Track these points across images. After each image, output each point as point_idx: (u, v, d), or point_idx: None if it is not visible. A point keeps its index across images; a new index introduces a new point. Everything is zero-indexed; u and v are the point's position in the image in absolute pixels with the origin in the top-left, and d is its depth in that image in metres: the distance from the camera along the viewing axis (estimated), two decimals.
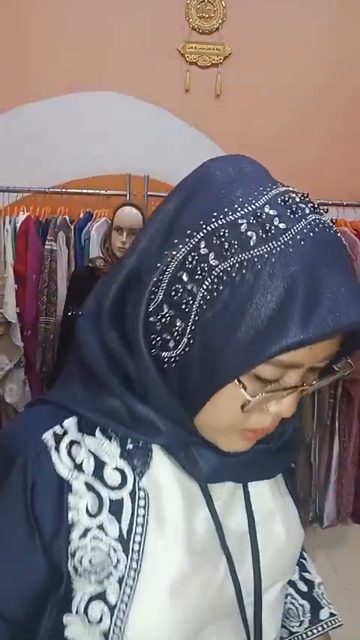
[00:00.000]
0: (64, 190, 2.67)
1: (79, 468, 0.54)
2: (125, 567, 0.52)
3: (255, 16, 2.93)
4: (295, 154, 2.97)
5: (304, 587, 0.78)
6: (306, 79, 2.97)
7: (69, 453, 0.54)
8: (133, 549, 0.53)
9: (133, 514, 0.53)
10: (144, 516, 0.54)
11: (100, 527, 0.53)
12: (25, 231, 2.58)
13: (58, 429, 0.55)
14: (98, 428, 0.56)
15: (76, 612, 0.52)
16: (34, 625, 0.54)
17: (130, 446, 0.56)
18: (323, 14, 2.94)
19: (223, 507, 0.58)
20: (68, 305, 2.30)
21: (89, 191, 2.68)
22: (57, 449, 0.54)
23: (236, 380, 0.49)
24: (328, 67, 2.97)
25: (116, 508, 0.54)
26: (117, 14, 2.89)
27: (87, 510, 0.53)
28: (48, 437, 0.54)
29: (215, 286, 0.48)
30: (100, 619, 0.52)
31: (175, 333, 0.51)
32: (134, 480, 0.54)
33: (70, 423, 0.56)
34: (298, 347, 0.46)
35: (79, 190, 2.70)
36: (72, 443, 0.55)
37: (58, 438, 0.54)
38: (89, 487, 0.54)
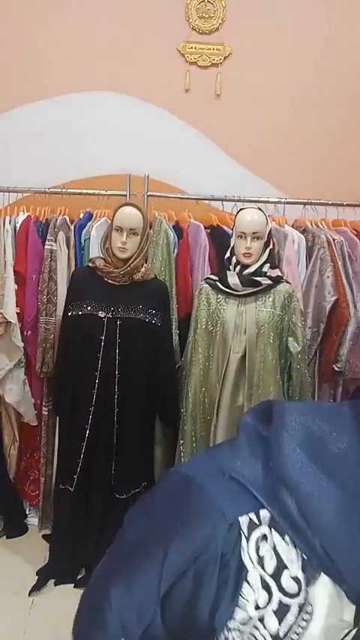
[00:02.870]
0: (64, 190, 2.67)
1: (260, 562, 0.53)
2: None
3: (255, 16, 2.93)
4: (295, 154, 2.97)
5: None
6: (306, 79, 2.97)
7: (256, 544, 0.54)
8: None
9: (295, 623, 0.53)
10: (304, 628, 0.53)
11: (262, 619, 0.53)
12: (25, 231, 2.58)
13: (253, 516, 0.55)
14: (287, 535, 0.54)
15: None
16: None
17: (305, 557, 0.54)
18: (323, 14, 2.94)
19: None
20: (68, 305, 2.30)
21: (89, 191, 2.68)
22: (248, 538, 0.53)
23: None
24: (328, 67, 2.97)
25: (283, 611, 0.53)
26: (117, 14, 2.89)
27: (256, 604, 0.53)
28: (244, 521, 0.54)
29: None
30: None
31: None
32: (306, 593, 0.53)
33: (266, 515, 0.55)
34: None
35: (79, 190, 2.69)
36: (263, 537, 0.54)
37: (252, 527, 0.54)
38: (264, 585, 0.53)
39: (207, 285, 2.30)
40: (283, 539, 0.54)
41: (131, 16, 2.89)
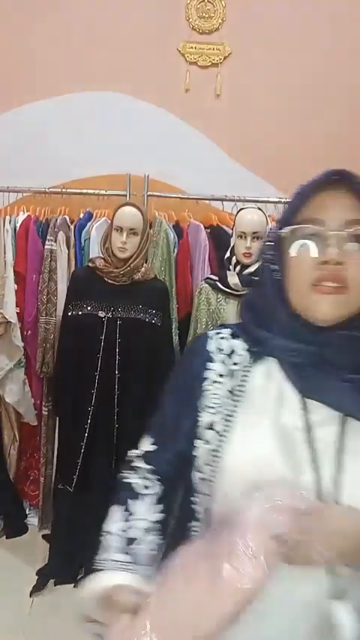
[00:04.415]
0: (64, 190, 2.67)
1: (219, 350, 0.86)
2: (231, 408, 0.80)
3: (255, 16, 2.93)
4: (295, 154, 2.96)
5: None
6: (306, 78, 2.97)
7: (217, 342, 0.87)
8: (237, 399, 0.81)
9: (243, 380, 0.82)
10: (245, 382, 0.82)
11: (222, 382, 0.83)
12: (25, 231, 2.58)
13: (219, 330, 0.89)
14: (241, 338, 0.87)
15: (200, 439, 0.81)
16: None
17: (254, 349, 0.84)
18: (323, 14, 2.94)
19: (315, 422, 0.77)
20: (68, 305, 2.30)
21: (89, 191, 2.68)
22: (211, 337, 0.88)
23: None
24: (328, 67, 2.97)
25: (234, 375, 0.83)
26: (117, 14, 2.89)
27: (219, 373, 0.84)
28: (212, 334, 0.89)
29: None
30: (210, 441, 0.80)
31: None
32: (249, 364, 0.83)
33: (227, 331, 0.89)
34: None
35: (79, 190, 2.70)
36: (222, 338, 0.87)
37: (216, 335, 0.88)
38: (223, 362, 0.84)
39: (207, 285, 2.29)
40: (237, 340, 0.86)
41: (131, 16, 2.89)
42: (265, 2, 2.94)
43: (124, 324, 2.19)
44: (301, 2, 2.95)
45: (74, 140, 2.92)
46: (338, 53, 2.97)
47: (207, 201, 2.77)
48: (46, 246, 2.54)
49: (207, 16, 2.92)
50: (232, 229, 2.29)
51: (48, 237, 2.55)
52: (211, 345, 0.86)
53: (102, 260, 2.23)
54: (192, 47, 2.94)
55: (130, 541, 0.79)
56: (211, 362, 0.85)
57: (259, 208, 2.27)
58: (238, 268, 2.22)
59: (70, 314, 2.26)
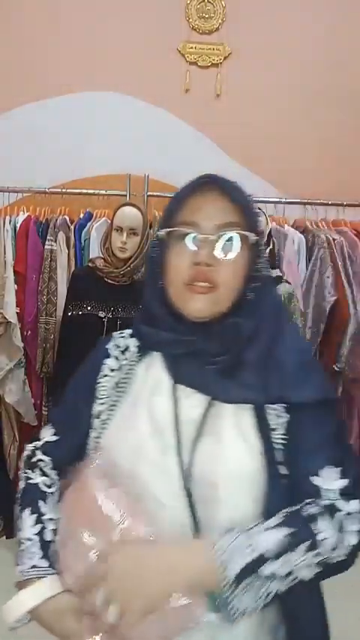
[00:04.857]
0: (64, 190, 2.67)
1: (117, 347, 0.93)
2: (114, 399, 0.89)
3: (255, 16, 2.93)
4: (295, 154, 2.97)
5: None
6: (306, 79, 2.97)
7: (116, 340, 0.94)
8: (120, 390, 0.89)
9: (128, 373, 0.90)
10: (130, 376, 0.90)
11: (112, 376, 0.90)
12: (25, 231, 2.58)
13: (123, 331, 0.96)
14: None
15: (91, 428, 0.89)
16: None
17: (141, 345, 0.91)
18: (323, 14, 2.95)
19: (183, 403, 0.83)
20: (68, 305, 2.29)
21: (89, 191, 2.68)
22: (114, 337, 0.96)
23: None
24: (328, 67, 2.97)
25: (122, 369, 0.91)
26: (117, 14, 2.89)
27: (110, 368, 0.91)
28: (116, 334, 0.96)
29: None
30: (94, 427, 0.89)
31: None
32: (136, 359, 0.90)
33: (128, 331, 0.95)
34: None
35: (79, 190, 2.69)
36: (121, 337, 0.95)
37: (118, 334, 0.96)
38: (116, 358, 0.92)
39: None
40: (132, 338, 0.93)
41: (131, 16, 2.89)
42: (265, 2, 2.94)
43: (124, 324, 2.19)
44: (301, 2, 2.95)
45: (74, 140, 2.92)
46: (338, 53, 2.97)
47: None
48: (46, 247, 2.54)
49: (207, 16, 2.93)
50: None
51: (48, 238, 2.55)
52: (111, 344, 0.94)
53: (102, 260, 2.23)
54: (192, 47, 2.94)
55: (47, 544, 0.83)
56: (108, 358, 0.92)
57: (259, 208, 2.27)
58: None
59: (70, 314, 2.26)
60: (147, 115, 2.94)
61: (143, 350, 0.90)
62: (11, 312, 2.50)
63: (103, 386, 0.90)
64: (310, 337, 2.57)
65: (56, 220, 2.59)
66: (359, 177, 2.90)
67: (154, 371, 0.87)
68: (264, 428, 0.79)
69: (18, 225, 2.59)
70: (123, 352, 0.92)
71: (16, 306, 2.53)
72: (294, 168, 2.96)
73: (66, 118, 2.92)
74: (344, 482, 0.76)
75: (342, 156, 2.98)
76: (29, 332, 2.55)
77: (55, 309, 2.52)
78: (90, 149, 2.92)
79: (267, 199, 2.67)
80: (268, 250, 2.24)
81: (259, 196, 2.65)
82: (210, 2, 2.92)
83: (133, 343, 0.92)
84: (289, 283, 2.31)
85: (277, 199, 2.73)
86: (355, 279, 2.62)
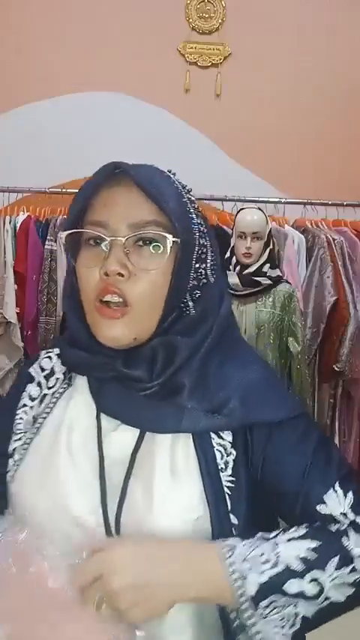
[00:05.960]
0: (64, 190, 2.67)
1: (42, 369, 0.79)
2: (29, 435, 0.73)
3: (255, 16, 2.93)
4: (295, 154, 2.97)
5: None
6: (306, 79, 2.97)
7: (43, 361, 0.80)
8: (38, 424, 0.74)
9: (49, 405, 0.75)
10: (51, 409, 0.74)
11: (31, 407, 0.76)
12: (25, 231, 2.58)
13: (50, 349, 0.81)
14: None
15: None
16: None
17: (64, 369, 0.77)
18: (323, 14, 2.94)
19: (111, 439, 0.69)
20: None
21: None
22: (40, 357, 0.81)
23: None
24: (328, 67, 2.96)
25: (44, 399, 0.76)
26: (117, 14, 2.89)
27: (31, 396, 0.77)
28: (43, 353, 0.82)
29: None
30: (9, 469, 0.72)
31: None
32: (61, 386, 0.76)
33: (56, 350, 0.79)
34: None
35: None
36: (48, 357, 0.80)
37: (45, 354, 0.81)
38: (39, 384, 0.77)
39: None
40: (58, 358, 0.78)
41: (131, 16, 2.89)
42: (265, 2, 2.94)
43: None
44: (301, 3, 2.95)
45: (74, 140, 2.92)
46: (338, 53, 2.97)
47: (207, 202, 2.77)
48: (46, 247, 2.54)
49: (207, 16, 2.92)
50: (232, 229, 2.29)
51: (48, 238, 2.55)
52: (36, 365, 0.79)
53: None
54: (192, 47, 2.94)
55: None
56: (30, 382, 0.77)
57: (259, 208, 2.27)
58: (238, 268, 2.22)
59: None
60: (147, 115, 2.94)
61: (70, 373, 0.76)
62: (11, 312, 2.51)
63: (20, 418, 0.75)
64: (310, 337, 2.58)
65: (56, 220, 2.59)
66: (359, 177, 2.91)
67: (79, 398, 0.73)
68: (210, 465, 0.66)
69: (18, 226, 2.59)
70: (47, 377, 0.77)
71: (16, 306, 2.53)
72: (294, 168, 2.96)
73: (66, 118, 2.92)
74: (351, 497, 0.65)
75: (342, 156, 2.98)
76: (29, 332, 2.55)
77: (55, 309, 2.52)
78: (90, 149, 2.91)
79: (267, 199, 2.67)
80: (268, 250, 2.24)
81: (259, 196, 2.66)
82: (210, 2, 2.92)
83: (58, 365, 0.77)
84: (289, 283, 2.31)
85: (277, 199, 2.73)
86: (355, 279, 2.63)
